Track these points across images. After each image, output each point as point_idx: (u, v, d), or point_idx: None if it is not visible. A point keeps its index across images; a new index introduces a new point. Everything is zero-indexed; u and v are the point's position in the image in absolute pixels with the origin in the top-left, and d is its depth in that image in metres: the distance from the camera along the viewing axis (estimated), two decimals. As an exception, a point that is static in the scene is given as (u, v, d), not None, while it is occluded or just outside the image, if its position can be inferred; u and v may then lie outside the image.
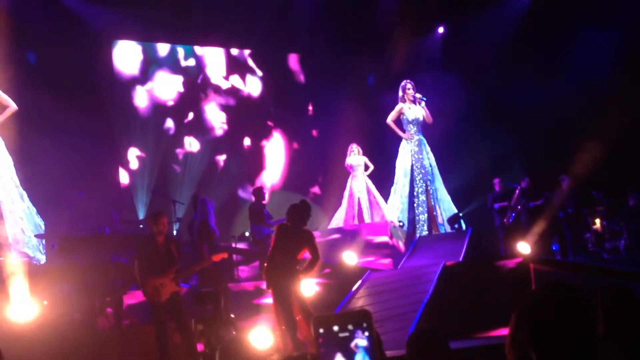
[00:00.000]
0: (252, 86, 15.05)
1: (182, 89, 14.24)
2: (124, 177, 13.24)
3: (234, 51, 14.97)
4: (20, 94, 9.44)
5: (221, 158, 14.45)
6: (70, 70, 11.68)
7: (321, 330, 1.60)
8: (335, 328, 1.60)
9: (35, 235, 8.96)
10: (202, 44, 14.50)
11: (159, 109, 13.89)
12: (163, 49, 14.22)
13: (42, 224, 9.27)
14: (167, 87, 14.08)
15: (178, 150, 14.05)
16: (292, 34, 14.45)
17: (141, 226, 11.31)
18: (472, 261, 9.31)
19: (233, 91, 14.85)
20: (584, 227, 12.19)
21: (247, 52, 15.05)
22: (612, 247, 12.03)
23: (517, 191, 11.85)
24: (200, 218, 9.95)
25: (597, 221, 12.21)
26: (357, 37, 14.55)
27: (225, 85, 14.76)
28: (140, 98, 13.75)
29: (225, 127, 14.63)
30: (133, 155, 13.43)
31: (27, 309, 7.23)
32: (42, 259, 9.02)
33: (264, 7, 13.57)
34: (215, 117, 14.57)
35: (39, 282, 7.72)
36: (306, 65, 15.52)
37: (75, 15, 12.32)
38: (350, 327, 1.62)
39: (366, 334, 1.60)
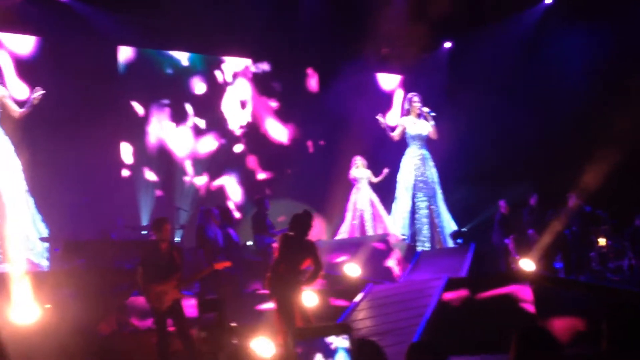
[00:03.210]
0: (264, 106, 15.04)
1: (193, 107, 14.23)
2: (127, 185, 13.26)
3: (244, 64, 14.94)
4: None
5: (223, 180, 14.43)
6: (82, 78, 11.76)
7: (300, 339, 1.63)
8: (316, 336, 1.64)
9: (40, 239, 8.98)
10: (213, 52, 14.53)
11: (169, 126, 13.92)
12: (178, 68, 14.22)
13: (46, 231, 9.28)
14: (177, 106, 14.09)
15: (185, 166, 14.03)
16: (302, 48, 14.48)
17: (144, 232, 11.34)
18: (475, 276, 9.28)
19: (244, 115, 14.83)
20: (589, 246, 12.16)
21: (251, 66, 15.04)
22: (616, 266, 12.01)
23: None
24: (197, 225, 10.04)
25: (601, 240, 12.19)
26: (362, 47, 14.58)
27: (237, 107, 14.74)
28: (151, 112, 13.75)
29: (239, 149, 14.61)
30: (138, 162, 13.45)
31: (29, 312, 7.24)
32: (46, 264, 9.03)
33: (272, 22, 13.63)
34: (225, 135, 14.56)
35: (41, 286, 7.73)
36: (316, 79, 15.54)
37: (89, 24, 12.40)
38: (331, 335, 1.66)
39: (347, 337, 1.64)
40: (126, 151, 13.26)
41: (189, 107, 14.07)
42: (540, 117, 13.79)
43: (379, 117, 11.65)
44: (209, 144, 14.29)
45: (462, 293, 8.18)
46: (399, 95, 15.71)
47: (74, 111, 11.53)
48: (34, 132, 9.86)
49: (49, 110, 10.42)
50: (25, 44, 12.11)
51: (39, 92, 8.80)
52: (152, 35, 13.31)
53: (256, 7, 13.12)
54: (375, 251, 10.37)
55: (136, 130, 13.47)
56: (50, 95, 9.54)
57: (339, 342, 1.69)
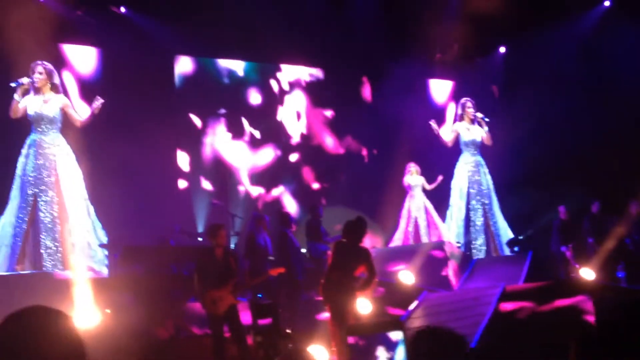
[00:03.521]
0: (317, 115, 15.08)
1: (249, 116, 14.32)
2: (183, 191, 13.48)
3: (299, 72, 14.97)
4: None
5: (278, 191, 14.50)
6: (140, 88, 12.08)
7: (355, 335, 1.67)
8: (370, 332, 1.67)
9: (100, 245, 9.20)
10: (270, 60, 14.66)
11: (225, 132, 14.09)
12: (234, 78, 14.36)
13: (105, 238, 9.49)
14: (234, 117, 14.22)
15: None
16: (355, 55, 14.47)
17: (200, 239, 11.51)
18: (532, 285, 9.08)
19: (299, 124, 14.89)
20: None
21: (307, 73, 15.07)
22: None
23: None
24: (247, 233, 10.15)
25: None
26: (415, 52, 14.47)
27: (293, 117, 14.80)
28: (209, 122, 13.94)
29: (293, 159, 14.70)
30: (195, 171, 13.66)
31: (90, 317, 7.44)
32: (106, 271, 9.22)
33: (329, 29, 13.64)
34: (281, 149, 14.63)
35: (102, 291, 7.93)
36: (369, 86, 15.50)
37: (146, 34, 12.69)
38: (384, 331, 1.69)
39: (400, 333, 1.66)
40: (183, 160, 13.50)
41: (245, 119, 14.20)
42: (600, 122, 13.42)
43: (432, 123, 11.53)
44: (265, 154, 14.40)
45: (520, 302, 8.02)
46: (452, 104, 15.55)
47: (132, 121, 11.80)
48: (94, 142, 10.12)
49: (108, 120, 10.70)
50: (86, 56, 12.50)
51: (99, 102, 9.05)
52: (208, 44, 13.51)
53: (311, 13, 13.19)
54: (430, 259, 10.26)
55: (193, 139, 13.69)
56: (110, 105, 9.79)
57: (400, 336, 1.72)
